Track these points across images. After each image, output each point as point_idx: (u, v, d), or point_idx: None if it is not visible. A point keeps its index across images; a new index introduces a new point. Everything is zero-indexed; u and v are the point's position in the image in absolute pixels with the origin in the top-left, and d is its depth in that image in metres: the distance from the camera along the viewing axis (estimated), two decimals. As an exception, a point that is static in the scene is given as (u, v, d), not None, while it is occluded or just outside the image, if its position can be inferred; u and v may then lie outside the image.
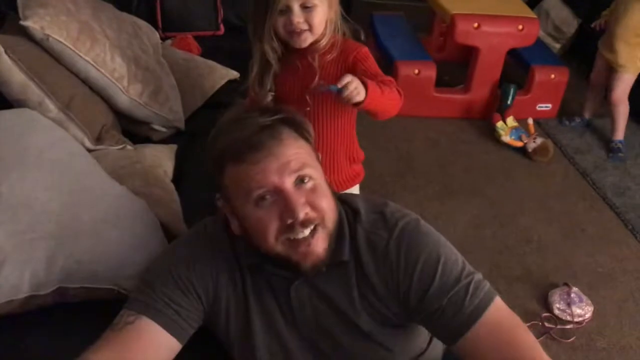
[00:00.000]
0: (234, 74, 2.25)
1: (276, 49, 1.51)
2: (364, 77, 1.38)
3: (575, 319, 2.15)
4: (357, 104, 1.36)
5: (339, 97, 1.35)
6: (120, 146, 1.70)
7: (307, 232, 1.02)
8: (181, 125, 1.96)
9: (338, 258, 1.08)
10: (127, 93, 1.78)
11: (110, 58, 1.73)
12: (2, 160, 1.32)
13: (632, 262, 2.50)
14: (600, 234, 2.64)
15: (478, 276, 1.06)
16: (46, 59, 1.64)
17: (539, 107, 3.45)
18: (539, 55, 3.47)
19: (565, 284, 2.26)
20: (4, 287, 1.22)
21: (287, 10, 1.43)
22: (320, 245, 1.04)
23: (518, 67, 3.53)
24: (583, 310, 2.17)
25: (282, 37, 1.49)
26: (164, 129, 1.92)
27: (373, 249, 1.08)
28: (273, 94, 1.57)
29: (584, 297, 2.22)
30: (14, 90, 1.55)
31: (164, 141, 1.92)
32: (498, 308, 1.04)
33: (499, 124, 3.21)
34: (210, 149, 1.07)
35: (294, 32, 1.46)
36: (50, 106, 1.59)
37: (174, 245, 1.22)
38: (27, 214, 1.26)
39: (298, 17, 1.43)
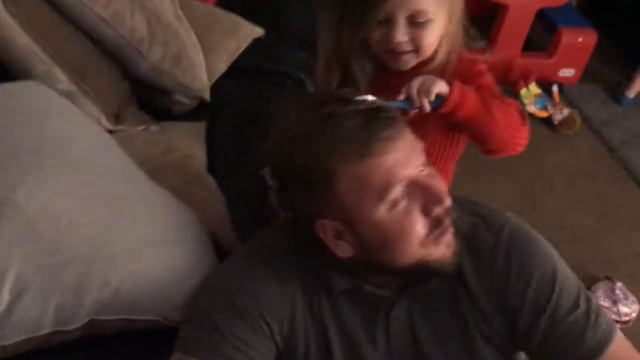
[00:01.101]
0: (259, 32, 1.93)
1: (366, 71, 1.14)
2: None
3: (623, 318, 2.01)
4: (445, 113, 1.04)
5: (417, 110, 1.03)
6: (143, 126, 1.40)
7: (448, 221, 0.88)
8: (206, 95, 1.66)
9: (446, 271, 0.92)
10: (148, 58, 1.47)
11: (130, 14, 1.40)
12: (13, 156, 1.02)
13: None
14: (635, 219, 2.49)
15: (595, 299, 0.95)
16: (53, 15, 1.30)
17: (562, 72, 3.23)
18: (567, 17, 3.22)
19: (608, 278, 2.12)
20: (22, 322, 0.97)
21: (389, 22, 1.04)
22: (452, 248, 0.89)
23: (543, 29, 3.29)
24: (630, 309, 2.03)
25: (376, 52, 1.11)
26: (186, 101, 1.62)
27: (476, 258, 0.94)
28: None
29: (629, 294, 2.08)
30: (15, 55, 1.23)
31: (186, 116, 1.62)
32: (621, 345, 0.93)
33: (523, 91, 2.99)
34: (295, 161, 0.85)
35: (394, 52, 1.07)
36: (60, 76, 1.27)
37: (232, 266, 0.99)
38: (50, 229, 0.98)
39: (402, 34, 1.04)
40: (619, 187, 2.67)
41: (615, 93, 3.23)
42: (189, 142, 1.39)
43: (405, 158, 0.83)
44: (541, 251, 0.95)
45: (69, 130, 1.10)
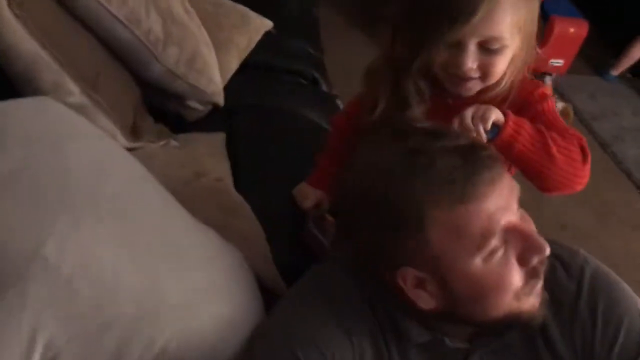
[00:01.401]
0: (269, 24, 1.77)
1: (422, 91, 1.02)
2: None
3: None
4: (500, 144, 0.92)
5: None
6: (162, 142, 1.23)
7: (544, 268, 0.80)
8: (220, 100, 1.49)
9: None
10: (162, 61, 1.29)
11: (146, 13, 1.22)
12: (36, 197, 0.85)
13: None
14: (631, 218, 2.50)
15: None
16: (61, 16, 1.11)
17: (552, 62, 3.19)
18: (560, 6, 3.16)
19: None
20: (57, 395, 0.81)
21: (459, 46, 0.94)
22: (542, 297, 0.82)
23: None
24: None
25: (438, 74, 1.00)
26: (200, 107, 1.45)
27: (556, 305, 0.85)
28: None
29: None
30: (20, 63, 1.04)
31: (200, 122, 1.46)
32: None
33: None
34: (377, 201, 0.75)
35: (458, 77, 0.97)
36: (72, 87, 1.10)
37: (291, 315, 0.87)
38: (90, 289, 0.82)
39: (471, 61, 0.94)
40: (613, 183, 2.68)
41: (601, 71, 3.25)
42: (215, 161, 1.24)
43: (506, 203, 0.75)
44: (626, 297, 0.87)
45: (98, 161, 0.92)
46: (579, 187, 1.00)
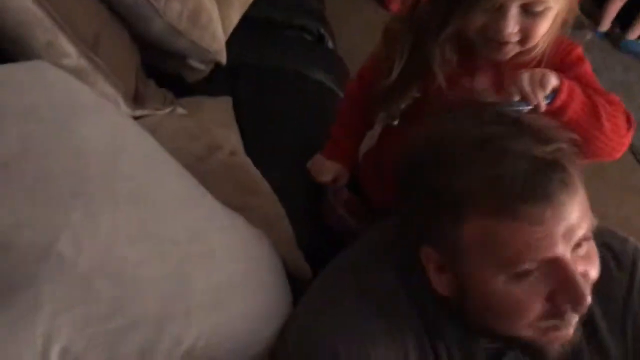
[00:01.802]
0: (269, -26, 1.62)
1: (448, 57, 0.95)
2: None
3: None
4: (553, 110, 0.87)
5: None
6: (168, 109, 1.11)
7: (576, 317, 0.71)
8: (222, 58, 1.36)
9: None
10: (165, 16, 1.15)
11: (148, -37, 1.08)
12: (46, 185, 0.74)
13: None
14: (623, 180, 2.46)
15: None
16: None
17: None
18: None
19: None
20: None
21: (500, 10, 0.86)
22: (575, 326, 0.73)
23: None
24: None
25: (471, 39, 0.92)
26: (202, 66, 1.32)
27: (607, 300, 0.81)
28: (416, 95, 1.01)
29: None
30: (8, 19, 0.90)
31: (201, 84, 1.33)
32: None
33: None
34: (434, 176, 0.70)
35: (496, 42, 0.90)
36: (68, 48, 0.96)
37: (323, 306, 0.80)
38: (109, 287, 0.73)
39: (512, 25, 0.87)
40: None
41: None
42: (226, 131, 1.13)
43: (563, 234, 0.66)
44: None
45: (110, 138, 0.81)
46: (618, 155, 0.97)
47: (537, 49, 0.94)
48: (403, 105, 1.03)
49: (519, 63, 0.94)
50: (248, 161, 1.08)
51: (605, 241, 0.83)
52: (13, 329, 0.69)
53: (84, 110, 0.83)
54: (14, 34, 0.92)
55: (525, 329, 0.71)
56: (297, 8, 1.65)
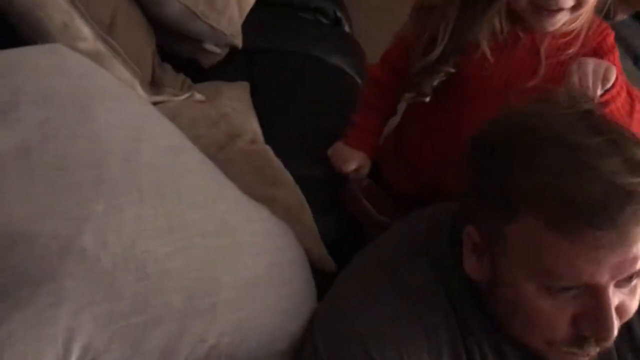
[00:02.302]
0: (286, -47, 1.57)
1: (497, 30, 0.94)
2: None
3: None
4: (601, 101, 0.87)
5: None
6: (186, 94, 1.07)
7: (597, 350, 0.68)
8: (239, 42, 1.32)
9: None
10: (180, -2, 1.11)
11: (165, -58, 1.03)
12: (67, 176, 0.70)
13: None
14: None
15: None
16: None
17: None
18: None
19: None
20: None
21: None
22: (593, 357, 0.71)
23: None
24: None
25: (520, 8, 0.91)
26: (218, 50, 1.28)
27: None
28: (452, 70, 0.99)
29: None
30: (24, 1, 0.86)
31: (217, 68, 1.29)
32: None
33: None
34: (492, 164, 0.68)
35: (546, 10, 0.88)
36: (84, 30, 0.92)
37: (354, 303, 0.77)
38: (133, 282, 0.70)
39: None
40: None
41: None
42: (245, 117, 1.09)
43: (614, 265, 0.62)
44: None
45: (131, 126, 0.78)
46: None
47: (579, 21, 0.93)
48: (436, 82, 1.00)
49: (558, 36, 0.95)
50: (268, 149, 1.05)
51: None
52: (34, 325, 0.66)
53: (103, 96, 0.80)
54: (28, 17, 0.88)
55: (543, 345, 0.69)
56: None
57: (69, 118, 0.74)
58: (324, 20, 1.56)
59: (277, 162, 1.03)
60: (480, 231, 0.70)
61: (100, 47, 0.94)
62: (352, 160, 1.12)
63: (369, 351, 0.71)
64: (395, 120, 1.22)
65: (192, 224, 0.75)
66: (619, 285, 0.65)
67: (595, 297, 0.64)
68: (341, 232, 1.10)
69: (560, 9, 0.89)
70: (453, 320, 0.75)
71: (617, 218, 0.60)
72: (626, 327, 0.76)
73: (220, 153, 0.96)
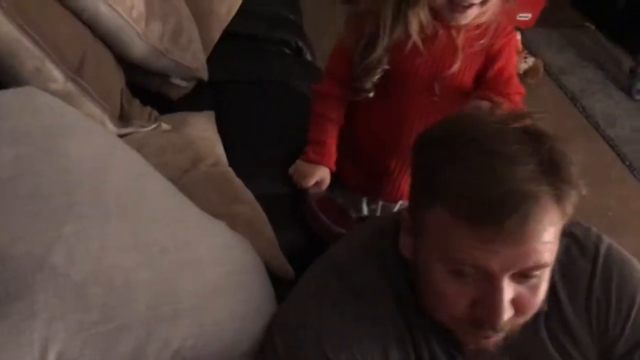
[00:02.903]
0: (249, -10, 1.68)
1: (423, 23, 1.09)
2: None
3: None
4: None
5: None
6: (152, 125, 1.17)
7: (499, 335, 0.76)
8: (204, 75, 1.43)
9: None
10: (145, 38, 1.22)
11: (128, -12, 1.14)
12: (39, 202, 0.80)
13: (636, 202, 2.46)
14: (601, 171, 2.55)
15: None
16: (39, -5, 1.03)
17: (519, 16, 3.17)
18: (526, -42, 3.13)
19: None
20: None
21: None
22: (497, 341, 0.78)
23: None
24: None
25: (438, 7, 1.07)
26: (184, 83, 1.39)
27: (572, 286, 0.85)
28: (387, 67, 1.13)
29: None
30: (-2, 51, 0.96)
31: (185, 100, 1.39)
32: None
33: (487, 38, 2.91)
34: (424, 161, 0.77)
35: (460, 6, 1.05)
36: (55, 73, 1.02)
37: (310, 307, 0.84)
38: (102, 294, 0.79)
39: None
40: (584, 138, 2.71)
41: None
42: (209, 143, 1.19)
43: (507, 260, 0.70)
44: (638, 273, 0.88)
45: (97, 157, 0.87)
46: None
47: (486, 16, 1.11)
48: (376, 79, 1.15)
49: (471, 29, 1.12)
50: (230, 170, 1.14)
51: (569, 230, 0.87)
52: (12, 336, 0.75)
53: (72, 132, 0.89)
54: (4, 64, 0.98)
55: (449, 320, 0.77)
56: (275, 21, 1.72)
57: (40, 154, 0.84)
58: (287, 51, 1.67)
59: (238, 182, 1.12)
60: (409, 214, 0.80)
61: (70, 87, 1.04)
62: (312, 176, 1.22)
63: (325, 352, 0.78)
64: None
65: (154, 241, 0.84)
66: (517, 279, 0.72)
67: (490, 285, 0.71)
68: (303, 244, 1.19)
69: (471, 5, 1.06)
70: (399, 317, 0.82)
71: (511, 217, 0.67)
72: (557, 311, 0.84)
73: (185, 177, 1.06)
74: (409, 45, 1.11)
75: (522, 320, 0.77)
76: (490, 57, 1.16)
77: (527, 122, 0.74)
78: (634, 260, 0.91)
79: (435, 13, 1.09)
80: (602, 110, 2.83)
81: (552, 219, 0.71)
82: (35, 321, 0.76)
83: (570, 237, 0.88)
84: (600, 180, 2.51)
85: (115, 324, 0.80)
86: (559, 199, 0.71)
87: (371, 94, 1.17)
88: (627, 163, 2.59)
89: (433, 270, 0.75)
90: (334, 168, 1.25)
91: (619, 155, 2.63)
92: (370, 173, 1.30)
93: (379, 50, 1.10)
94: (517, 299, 0.73)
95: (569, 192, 0.71)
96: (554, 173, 0.70)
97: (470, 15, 1.08)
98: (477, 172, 0.70)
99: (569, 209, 0.73)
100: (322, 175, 1.23)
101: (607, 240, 0.90)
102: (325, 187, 1.25)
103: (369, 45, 1.12)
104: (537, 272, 0.73)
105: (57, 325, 0.77)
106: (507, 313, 0.72)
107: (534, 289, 0.74)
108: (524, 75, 2.86)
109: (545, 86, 2.94)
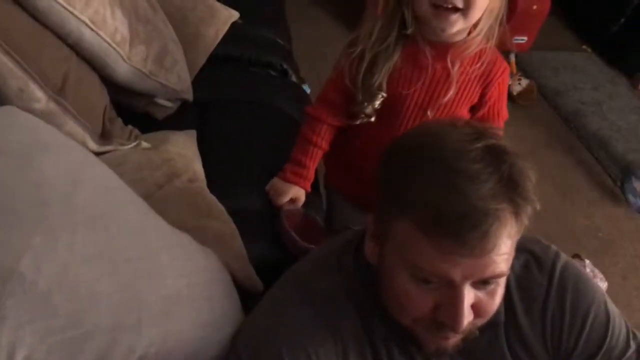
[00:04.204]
0: (235, 15, 1.75)
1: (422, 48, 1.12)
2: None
3: (593, 298, 2.08)
4: None
5: None
6: (132, 143, 1.23)
7: (457, 336, 0.82)
8: (189, 96, 1.49)
9: (490, 319, 0.86)
10: (130, 61, 1.28)
11: (111, 14, 1.20)
12: (10, 214, 0.85)
13: (626, 223, 2.48)
14: (592, 192, 2.58)
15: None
16: (23, 20, 1.09)
17: (515, 39, 3.22)
18: (522, -17, 3.19)
19: (577, 256, 2.18)
20: (36, 408, 0.83)
21: None
22: (456, 341, 0.84)
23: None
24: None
25: (422, 14, 1.08)
26: (169, 104, 1.45)
27: (529, 299, 0.90)
28: (384, 95, 1.16)
29: (597, 271, 2.15)
30: (-19, 72, 1.02)
31: (170, 120, 1.45)
32: None
33: (481, 61, 2.96)
34: (391, 170, 0.81)
35: (442, 8, 1.05)
36: (37, 93, 1.08)
37: (270, 313, 0.91)
38: (67, 302, 0.83)
39: None
40: (575, 158, 2.75)
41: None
42: (188, 161, 1.24)
43: (466, 271, 0.75)
44: (591, 288, 0.92)
45: (70, 172, 0.92)
46: None
47: (477, 35, 1.13)
48: (377, 105, 1.18)
49: (461, 49, 1.13)
50: (204, 187, 1.19)
51: (529, 247, 0.93)
52: (-19, 340, 0.79)
53: (47, 149, 0.94)
54: (-12, 83, 1.04)
55: (410, 322, 0.82)
56: (263, 46, 1.78)
57: (14, 168, 0.89)
58: (273, 73, 1.73)
59: (211, 198, 1.17)
60: (375, 222, 0.84)
61: (53, 107, 1.10)
62: (286, 194, 1.26)
63: (280, 349, 0.83)
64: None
65: (118, 251, 0.88)
66: (476, 285, 0.77)
67: (452, 292, 0.76)
68: (276, 258, 1.23)
69: (454, 8, 1.05)
70: (359, 324, 0.87)
71: (472, 233, 0.72)
72: (514, 323, 0.89)
73: (159, 192, 1.11)
74: (403, 71, 1.15)
75: (479, 322, 0.81)
76: (484, 86, 1.20)
77: (490, 141, 0.78)
78: (590, 278, 0.95)
79: (424, 31, 1.12)
80: (595, 131, 2.87)
81: (510, 233, 0.76)
82: (3, 327, 0.80)
83: (529, 254, 0.93)
84: (591, 201, 2.54)
85: (80, 331, 0.84)
86: (517, 214, 0.76)
87: (372, 119, 1.20)
88: (619, 184, 2.61)
89: (397, 276, 0.79)
90: (309, 190, 1.29)
91: (610, 176, 2.66)
92: (368, 189, 1.33)
93: (378, 77, 1.14)
94: (477, 304, 0.78)
95: (525, 207, 0.76)
96: (512, 190, 0.75)
97: (454, 24, 1.07)
98: (441, 189, 0.74)
99: (525, 221, 0.78)
100: (296, 194, 1.28)
101: (564, 257, 0.94)
102: (300, 204, 1.29)
103: (369, 71, 1.15)
104: (495, 280, 0.78)
105: (24, 331, 0.81)
106: (468, 317, 0.77)
107: (492, 293, 0.79)
108: (517, 97, 2.91)
109: (540, 107, 2.99)
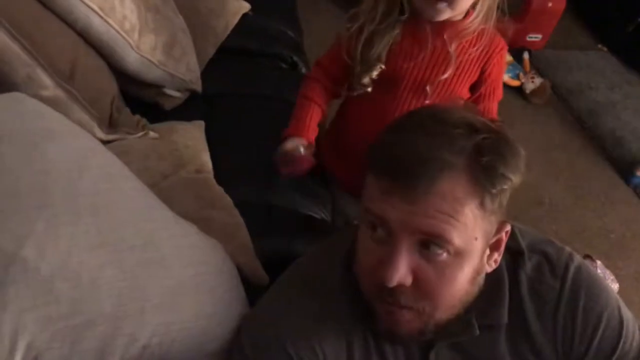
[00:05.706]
0: (246, 6, 1.74)
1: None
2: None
3: (604, 299, 2.05)
4: None
5: None
6: (140, 133, 1.22)
7: (402, 308, 0.79)
8: (198, 87, 1.48)
9: (491, 321, 0.86)
10: (139, 50, 1.27)
11: (120, 2, 1.19)
12: (14, 199, 0.85)
13: (639, 225, 2.44)
14: (605, 192, 2.54)
15: None
16: (32, 7, 1.08)
17: (529, 37, 3.19)
18: (537, -20, 3.15)
19: (588, 257, 2.15)
20: (37, 396, 0.82)
21: None
22: (406, 322, 0.80)
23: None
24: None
25: (414, 3, 1.12)
26: (178, 94, 1.44)
27: (540, 302, 0.87)
28: (382, 66, 1.17)
29: (608, 273, 2.12)
30: (-9, 59, 1.02)
31: (178, 109, 1.44)
32: None
33: (494, 58, 2.93)
34: (376, 141, 0.81)
35: None
36: (45, 80, 1.07)
37: (275, 307, 0.90)
38: (70, 289, 0.83)
39: None
40: (589, 158, 2.71)
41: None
42: (195, 151, 1.23)
43: (403, 215, 0.73)
44: (605, 292, 0.90)
45: (75, 160, 0.91)
46: None
47: (472, 23, 1.14)
48: (375, 75, 1.18)
49: (457, 32, 1.14)
50: (210, 178, 1.18)
51: (542, 249, 0.91)
52: (-17, 326, 0.79)
53: (54, 136, 0.94)
54: (-4, 69, 1.04)
55: (372, 294, 0.80)
56: (273, 38, 1.77)
57: (19, 154, 0.88)
58: (283, 65, 1.72)
59: (218, 188, 1.16)
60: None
61: (60, 94, 1.09)
62: (284, 143, 1.22)
63: (286, 348, 0.83)
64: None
65: (122, 240, 0.87)
66: (418, 249, 0.75)
67: (390, 244, 0.75)
68: (283, 252, 1.22)
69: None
70: (359, 316, 0.85)
71: (405, 173, 0.72)
72: (523, 326, 0.86)
73: (164, 181, 1.10)
74: (403, 45, 1.16)
75: (428, 305, 0.78)
76: (483, 64, 1.21)
77: (478, 118, 0.78)
78: (603, 281, 0.93)
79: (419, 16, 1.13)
80: (610, 131, 2.83)
81: (458, 195, 0.73)
82: (6, 313, 0.80)
83: (542, 255, 0.91)
84: (603, 201, 2.50)
85: (82, 319, 0.83)
86: (474, 178, 0.73)
87: (369, 89, 1.21)
88: (632, 185, 2.57)
89: (361, 234, 0.80)
90: (310, 140, 1.25)
91: (623, 177, 2.62)
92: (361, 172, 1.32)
93: (377, 48, 1.14)
94: (418, 272, 0.76)
95: (487, 180, 0.74)
96: (479, 155, 0.73)
97: (441, 13, 1.10)
98: (405, 138, 0.76)
99: (487, 200, 0.74)
100: (294, 144, 1.23)
101: (578, 259, 0.92)
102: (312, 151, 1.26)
103: (368, 44, 1.16)
104: (438, 246, 0.74)
105: (27, 318, 0.80)
106: (403, 276, 0.74)
107: (440, 272, 0.76)
108: (530, 95, 2.88)
109: (553, 106, 2.95)
